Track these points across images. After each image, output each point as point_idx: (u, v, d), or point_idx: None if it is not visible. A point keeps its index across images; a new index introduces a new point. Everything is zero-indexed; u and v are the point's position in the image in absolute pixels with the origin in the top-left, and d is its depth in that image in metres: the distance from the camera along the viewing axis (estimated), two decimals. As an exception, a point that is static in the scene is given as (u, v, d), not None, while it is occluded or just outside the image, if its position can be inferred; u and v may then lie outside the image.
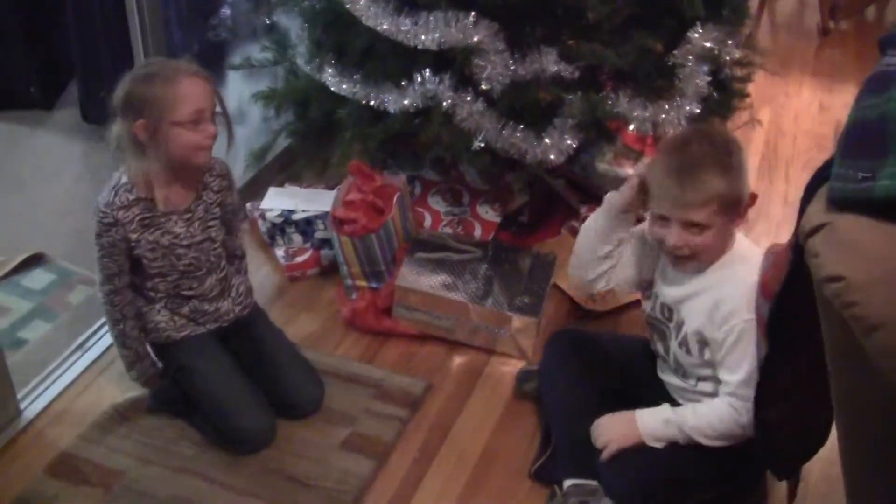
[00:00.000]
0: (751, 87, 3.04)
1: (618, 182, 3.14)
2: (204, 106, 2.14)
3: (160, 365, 2.41)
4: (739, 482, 2.19)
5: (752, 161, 3.62)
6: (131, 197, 2.19)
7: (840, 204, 1.33)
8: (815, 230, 1.33)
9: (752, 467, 2.16)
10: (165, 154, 2.15)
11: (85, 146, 3.65)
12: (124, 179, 2.20)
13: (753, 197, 2.03)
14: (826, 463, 2.31)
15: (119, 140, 2.18)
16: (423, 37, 2.53)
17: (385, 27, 2.56)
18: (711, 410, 2.07)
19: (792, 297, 1.64)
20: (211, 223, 2.32)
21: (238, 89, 3.24)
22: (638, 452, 2.08)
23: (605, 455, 2.12)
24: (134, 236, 2.21)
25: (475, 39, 2.51)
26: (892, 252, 1.26)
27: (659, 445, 2.10)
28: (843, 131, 1.45)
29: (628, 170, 3.21)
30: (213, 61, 3.42)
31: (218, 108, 2.21)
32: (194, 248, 2.29)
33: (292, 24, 3.11)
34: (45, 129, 3.75)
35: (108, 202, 2.18)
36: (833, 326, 1.37)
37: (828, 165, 1.43)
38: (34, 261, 2.97)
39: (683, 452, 2.08)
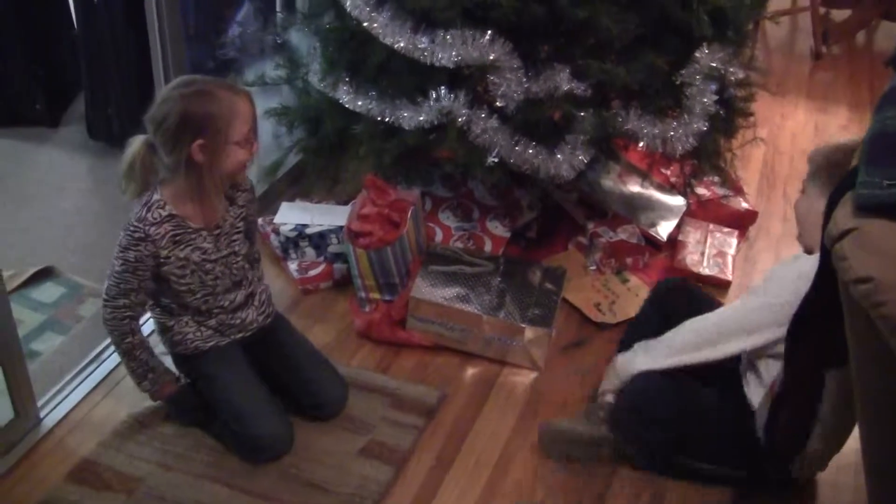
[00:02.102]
0: (752, 107, 3.11)
1: (623, 199, 3.21)
2: (252, 124, 2.17)
3: (177, 374, 2.42)
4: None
5: (752, 179, 3.70)
6: (164, 213, 2.18)
7: (867, 209, 1.38)
8: (843, 234, 1.38)
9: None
10: (216, 172, 2.15)
11: (91, 162, 3.66)
12: (157, 196, 2.18)
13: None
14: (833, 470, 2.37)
15: (136, 160, 2.16)
16: (439, 54, 2.57)
17: (402, 45, 2.60)
18: None
19: (817, 302, 1.70)
20: (235, 237, 2.34)
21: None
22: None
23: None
24: (164, 252, 2.20)
25: (491, 57, 2.55)
26: (919, 254, 1.32)
27: None
28: (866, 142, 1.51)
29: (632, 187, 3.27)
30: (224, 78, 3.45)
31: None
32: (220, 263, 2.31)
33: (303, 43, 3.13)
34: (50, 146, 3.74)
35: (141, 217, 2.17)
36: (860, 327, 1.42)
37: (851, 175, 1.49)
38: (44, 274, 3.00)
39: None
